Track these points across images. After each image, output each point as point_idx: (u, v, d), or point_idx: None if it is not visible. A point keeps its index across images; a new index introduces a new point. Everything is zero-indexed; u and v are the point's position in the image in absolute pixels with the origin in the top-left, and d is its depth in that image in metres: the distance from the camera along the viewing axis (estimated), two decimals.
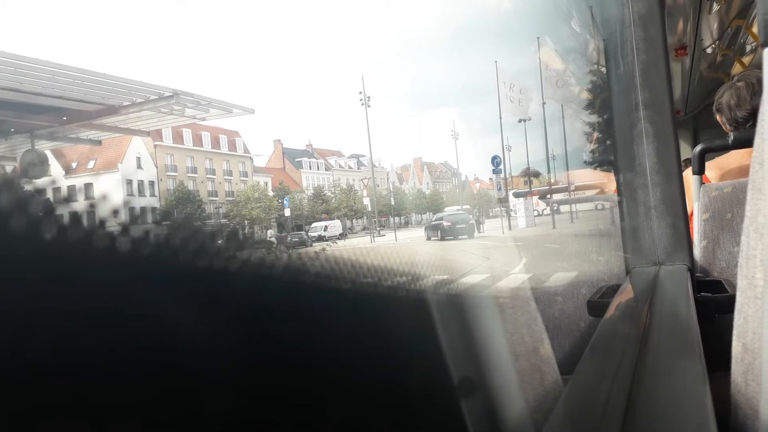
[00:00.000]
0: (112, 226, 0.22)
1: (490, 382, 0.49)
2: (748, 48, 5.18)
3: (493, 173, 33.36)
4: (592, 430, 0.49)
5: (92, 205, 0.23)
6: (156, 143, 44.44)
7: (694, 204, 1.84)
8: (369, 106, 45.37)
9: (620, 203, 1.73)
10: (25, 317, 0.19)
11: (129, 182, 42.32)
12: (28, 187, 0.20)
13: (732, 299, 0.64)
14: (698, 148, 2.00)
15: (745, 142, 1.89)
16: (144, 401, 0.22)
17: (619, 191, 1.74)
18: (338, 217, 50.00)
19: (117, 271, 0.22)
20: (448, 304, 0.46)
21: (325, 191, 57.03)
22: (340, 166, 65.42)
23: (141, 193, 42.98)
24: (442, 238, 29.05)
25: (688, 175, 1.96)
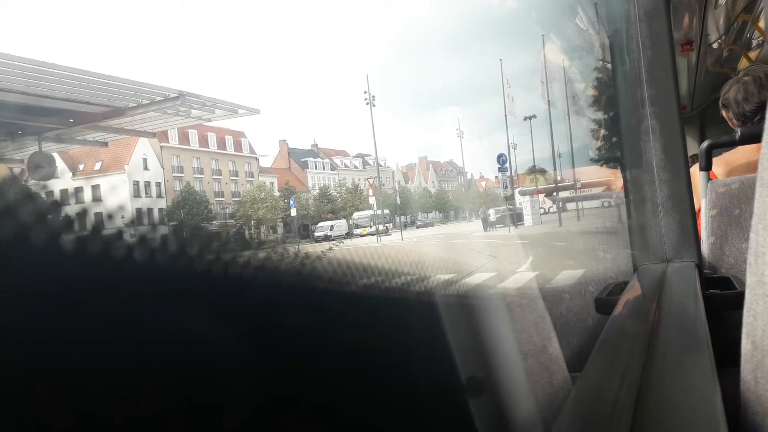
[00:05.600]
0: (124, 227, 0.22)
1: (499, 381, 0.49)
2: (755, 43, 5.15)
3: (499, 171, 33.29)
4: (602, 428, 0.49)
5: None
6: (162, 144, 44.57)
7: (702, 200, 1.83)
8: (374, 106, 45.36)
9: (627, 200, 1.72)
10: (36, 319, 0.19)
11: (136, 183, 42.45)
12: (36, 189, 0.20)
13: (741, 296, 0.63)
14: (705, 143, 1.99)
15: (753, 137, 1.88)
16: (154, 401, 0.22)
17: (625, 188, 1.74)
18: (344, 217, 50.02)
19: (126, 272, 0.22)
20: (455, 303, 0.46)
21: (331, 191, 57.05)
22: (346, 166, 65.42)
23: (148, 194, 43.12)
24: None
25: (695, 171, 1.95)
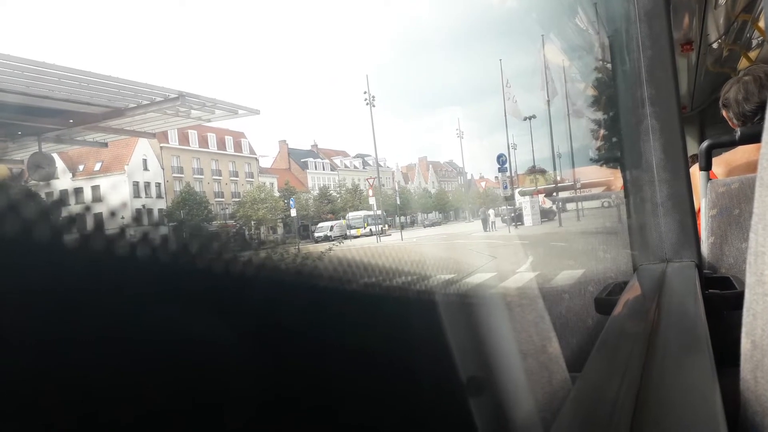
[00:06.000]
0: (123, 228, 0.22)
1: (499, 381, 0.49)
2: (755, 42, 5.15)
3: (499, 171, 33.31)
4: (602, 428, 0.49)
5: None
6: (162, 145, 44.59)
7: (701, 200, 1.83)
8: (374, 106, 45.32)
9: (627, 200, 1.72)
10: (36, 319, 0.19)
11: (135, 184, 42.44)
12: (35, 190, 0.20)
13: (740, 296, 0.63)
14: (705, 143, 1.99)
15: (752, 137, 1.88)
16: (153, 401, 0.22)
17: (625, 188, 1.74)
18: (344, 217, 49.80)
19: (125, 273, 0.22)
20: (455, 303, 0.46)
21: (331, 191, 57.04)
22: (346, 166, 65.39)
23: (148, 194, 43.12)
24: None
25: (695, 171, 1.95)
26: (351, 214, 47.76)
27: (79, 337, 0.20)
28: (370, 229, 42.67)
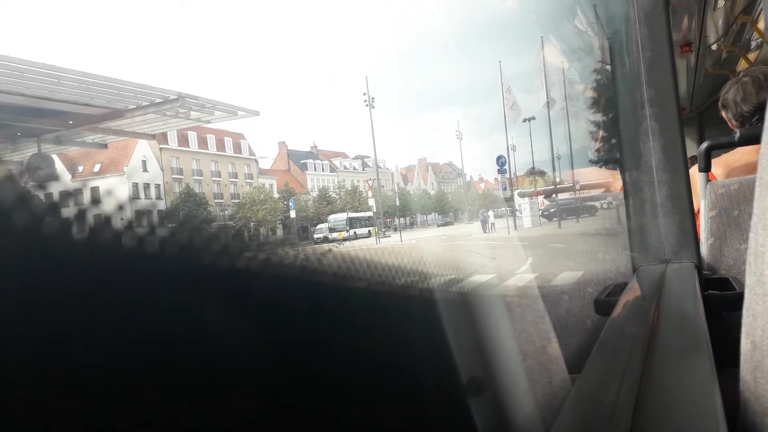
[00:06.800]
0: (123, 229, 0.22)
1: (499, 381, 0.49)
2: (754, 44, 5.16)
3: (498, 173, 33.33)
4: (602, 428, 0.49)
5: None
6: (161, 146, 44.60)
7: (701, 201, 1.83)
8: (373, 107, 45.27)
9: (626, 201, 1.72)
10: (36, 320, 0.19)
11: (135, 185, 42.44)
12: (34, 191, 0.20)
13: (740, 296, 0.63)
14: (704, 145, 1.99)
15: (752, 138, 1.88)
16: (156, 401, 0.22)
17: (625, 189, 1.74)
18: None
19: (125, 273, 0.22)
20: (455, 303, 0.46)
21: (330, 192, 57.01)
22: (345, 168, 65.38)
23: (147, 195, 43.10)
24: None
25: (695, 172, 1.95)
26: (332, 216, 46.19)
27: (79, 337, 0.20)
28: (354, 232, 41.38)
